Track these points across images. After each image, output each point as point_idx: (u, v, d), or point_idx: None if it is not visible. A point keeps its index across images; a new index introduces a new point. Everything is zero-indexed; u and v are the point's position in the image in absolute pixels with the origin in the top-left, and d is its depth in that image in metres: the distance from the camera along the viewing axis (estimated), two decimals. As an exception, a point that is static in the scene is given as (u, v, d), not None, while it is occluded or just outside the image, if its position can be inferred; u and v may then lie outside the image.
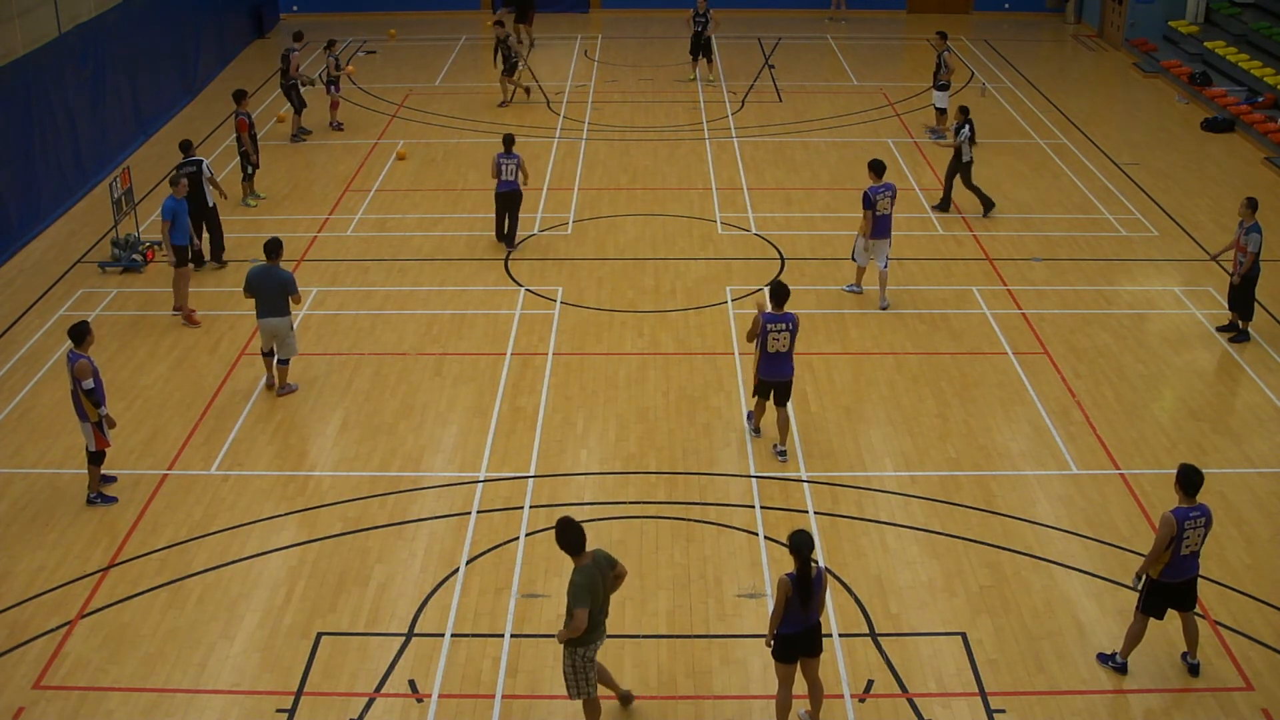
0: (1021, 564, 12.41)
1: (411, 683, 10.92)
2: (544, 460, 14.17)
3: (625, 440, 14.56)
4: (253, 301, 15.18)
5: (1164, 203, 21.72)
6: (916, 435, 14.61)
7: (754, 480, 13.77)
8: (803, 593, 9.71)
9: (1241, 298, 16.69)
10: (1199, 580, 12.13)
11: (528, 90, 27.65)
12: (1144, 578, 10.74)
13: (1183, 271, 19.04)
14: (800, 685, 10.23)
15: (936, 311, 17.53)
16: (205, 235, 18.98)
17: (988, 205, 20.95)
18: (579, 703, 10.60)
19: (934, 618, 11.68)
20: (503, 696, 10.73)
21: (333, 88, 25.61)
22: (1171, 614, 10.94)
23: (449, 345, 16.79)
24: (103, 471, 13.50)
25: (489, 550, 12.62)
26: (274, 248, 15.12)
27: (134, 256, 19.09)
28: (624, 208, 21.58)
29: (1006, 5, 36.62)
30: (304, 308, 17.60)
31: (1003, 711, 10.59)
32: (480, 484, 13.76)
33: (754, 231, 20.45)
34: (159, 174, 23.22)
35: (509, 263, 19.23)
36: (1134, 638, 10.91)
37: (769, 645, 10.01)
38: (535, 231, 20.44)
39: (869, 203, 17.23)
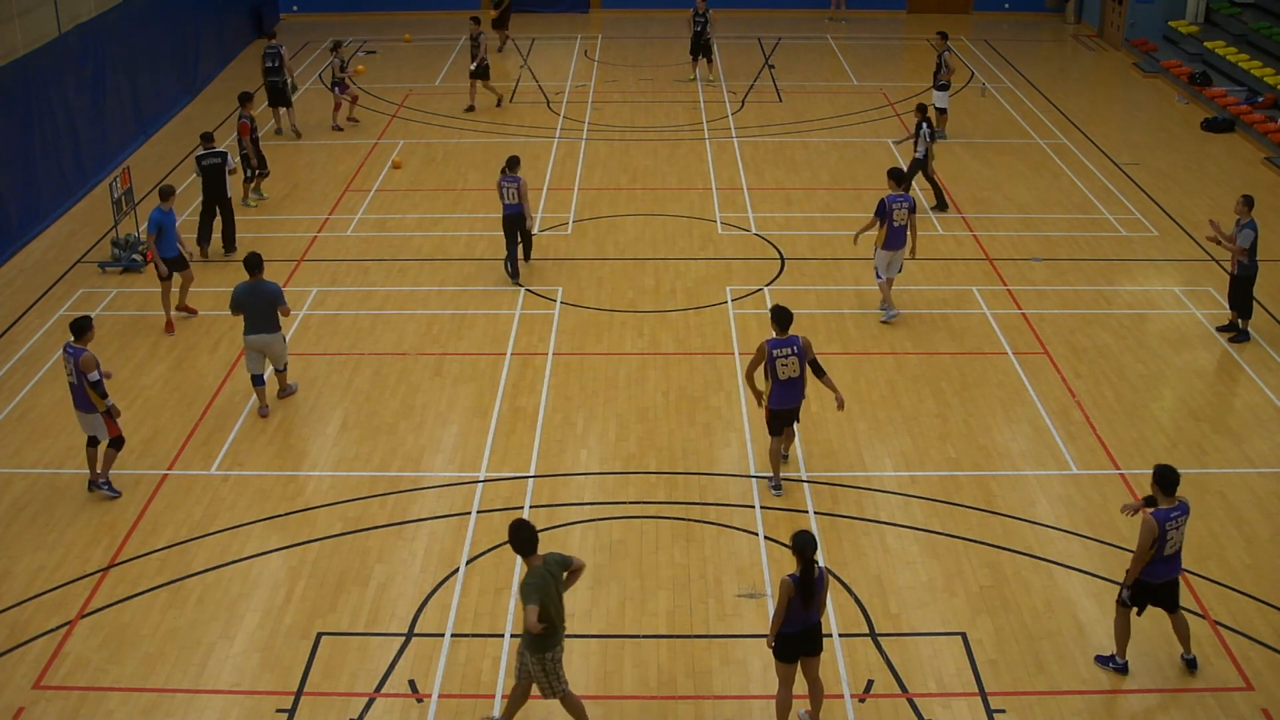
0: (1021, 564, 12.41)
1: (411, 683, 10.92)
2: (544, 460, 14.17)
3: (625, 440, 14.56)
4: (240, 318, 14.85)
5: (1164, 203, 21.72)
6: (916, 435, 14.61)
7: (754, 480, 13.77)
8: (805, 593, 9.72)
9: (1240, 296, 16.70)
10: (1203, 581, 12.16)
11: (500, 99, 27.01)
12: (1130, 585, 10.76)
13: (1183, 271, 19.04)
14: (800, 685, 10.23)
15: (936, 311, 17.52)
16: (217, 225, 19.74)
17: (941, 203, 21.10)
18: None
19: (934, 618, 11.68)
20: (503, 696, 10.73)
21: (337, 89, 25.56)
22: (1162, 616, 10.94)
23: (449, 345, 16.79)
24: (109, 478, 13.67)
25: (489, 550, 12.62)
26: (255, 262, 14.66)
27: (134, 256, 19.10)
28: (624, 208, 21.58)
29: (1006, 5, 36.62)
30: (295, 321, 17.59)
31: (1003, 711, 10.59)
32: (480, 484, 13.76)
33: (754, 231, 20.45)
34: (159, 174, 23.22)
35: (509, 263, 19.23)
36: (1123, 633, 10.93)
37: (770, 646, 10.02)
38: (535, 231, 20.42)
39: (883, 211, 16.74)
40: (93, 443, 13.47)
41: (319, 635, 11.48)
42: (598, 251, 19.66)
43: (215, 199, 19.32)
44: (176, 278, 17.26)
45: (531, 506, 13.33)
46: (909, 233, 16.82)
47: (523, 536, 9.68)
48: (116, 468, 13.90)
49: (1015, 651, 11.24)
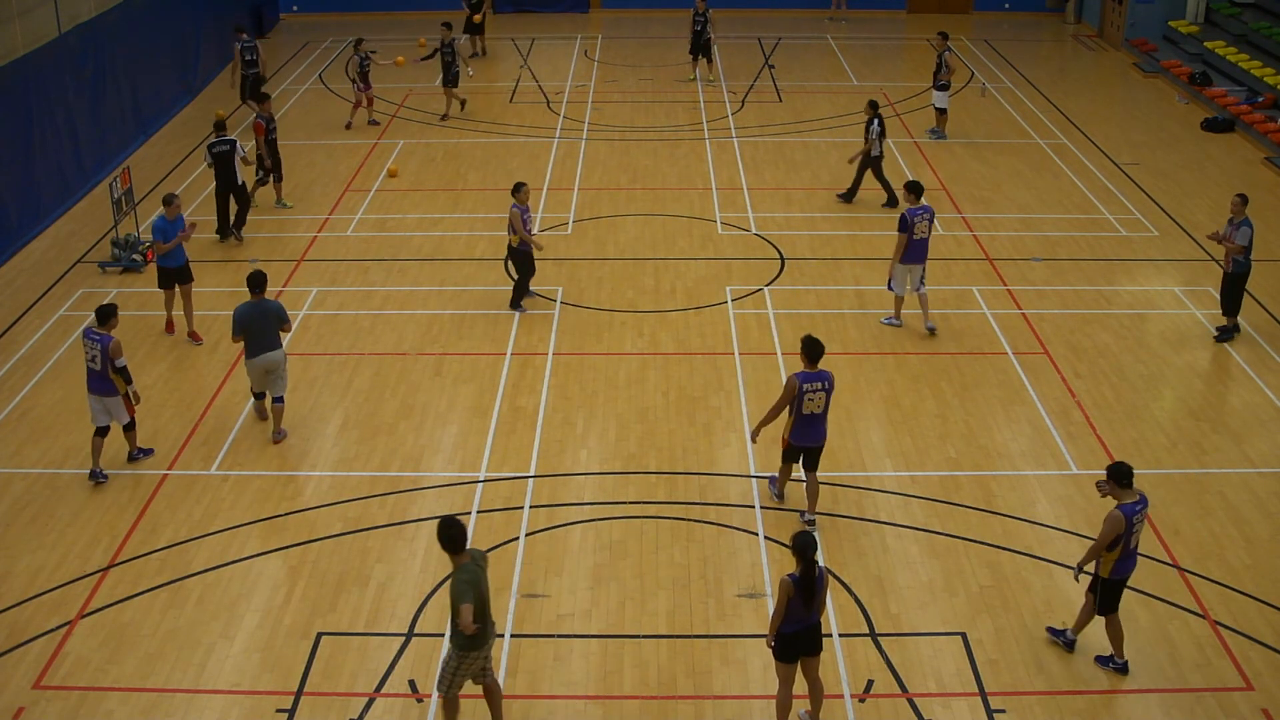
0: (1021, 564, 12.41)
1: (411, 683, 10.92)
2: (544, 460, 14.17)
3: (625, 440, 14.56)
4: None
5: (1164, 203, 21.72)
6: (916, 435, 14.61)
7: (754, 480, 13.77)
8: (805, 593, 9.72)
9: (1233, 294, 16.69)
10: (1203, 580, 12.18)
11: (463, 103, 26.63)
12: (1095, 578, 10.81)
13: (1183, 271, 19.03)
14: (800, 685, 10.23)
15: (937, 311, 17.51)
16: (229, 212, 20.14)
17: (892, 201, 21.13)
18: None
19: (934, 618, 11.68)
20: (502, 697, 10.72)
21: (358, 85, 25.62)
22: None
23: (449, 345, 16.79)
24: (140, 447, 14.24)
25: (489, 550, 12.61)
26: (258, 281, 14.22)
27: (134, 256, 19.10)
28: (624, 208, 21.58)
29: (1006, 5, 36.62)
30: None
31: (1003, 711, 10.59)
32: (480, 484, 13.76)
33: (754, 231, 20.45)
34: (159, 174, 23.24)
35: (509, 263, 19.22)
36: (1116, 634, 10.97)
37: (770, 646, 10.02)
38: (535, 231, 20.41)
39: (905, 225, 16.41)
40: (101, 433, 13.70)
41: (319, 635, 11.48)
42: (598, 251, 19.65)
43: (228, 186, 19.74)
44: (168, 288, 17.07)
45: (531, 506, 13.33)
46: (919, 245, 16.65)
47: (451, 534, 9.62)
48: (116, 468, 13.95)
49: (1015, 651, 11.24)
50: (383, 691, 10.82)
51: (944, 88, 24.81)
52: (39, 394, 15.65)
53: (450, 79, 26.08)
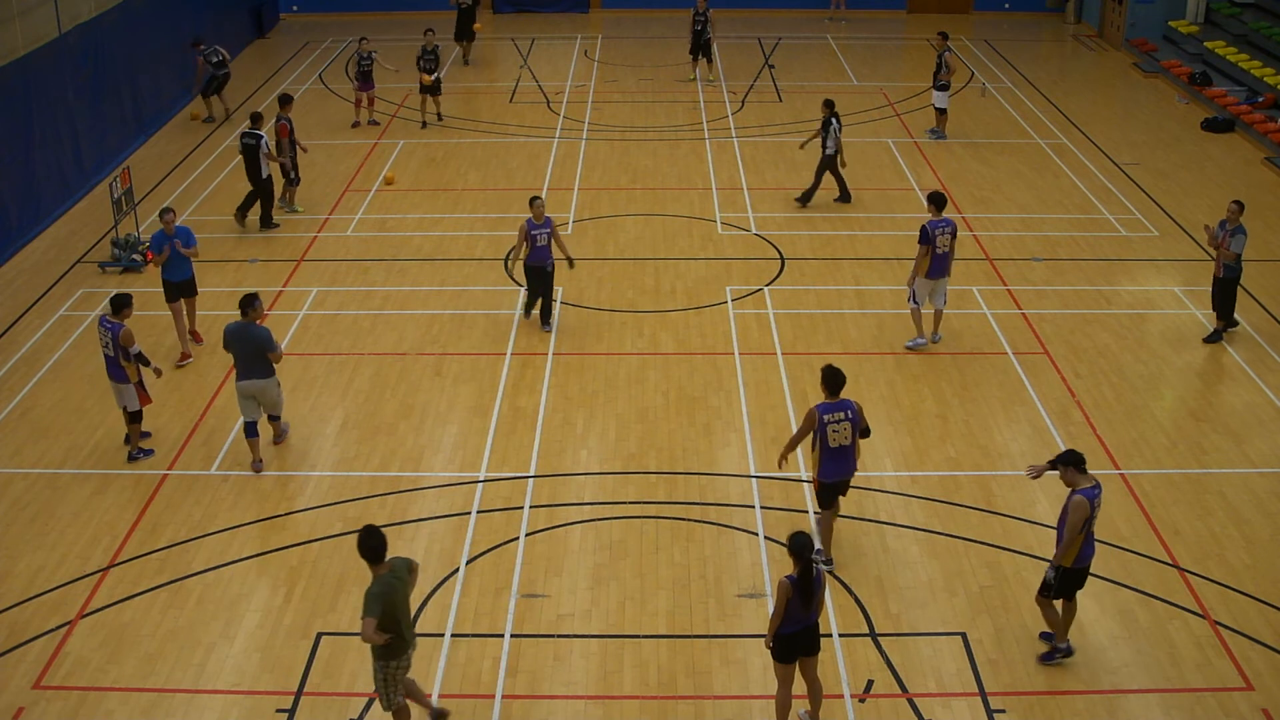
0: (1021, 564, 12.40)
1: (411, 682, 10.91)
2: (544, 460, 14.17)
3: (625, 440, 14.56)
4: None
5: (1164, 203, 21.72)
6: (916, 435, 14.61)
7: (754, 480, 13.76)
8: (804, 594, 9.73)
9: (1227, 297, 16.67)
10: (1203, 580, 12.18)
11: (440, 117, 26.22)
12: (1057, 569, 10.81)
13: (1183, 271, 19.03)
14: (800, 686, 10.23)
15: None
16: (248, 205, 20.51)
17: (845, 197, 21.21)
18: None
19: (934, 618, 11.68)
20: (502, 696, 10.73)
21: (357, 84, 25.67)
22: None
23: (449, 345, 16.79)
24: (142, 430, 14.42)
25: (489, 550, 12.62)
26: (249, 303, 13.63)
27: (134, 256, 19.10)
28: (624, 208, 21.58)
29: (1006, 5, 36.62)
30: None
31: (1003, 711, 10.59)
32: (480, 484, 13.76)
33: (754, 231, 20.45)
34: (159, 174, 23.24)
35: (509, 262, 19.24)
36: (1055, 618, 11.02)
37: (769, 647, 10.01)
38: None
39: (927, 238, 15.90)
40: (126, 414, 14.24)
41: (319, 635, 11.48)
42: (598, 251, 19.65)
43: (251, 178, 20.11)
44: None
45: (531, 506, 13.33)
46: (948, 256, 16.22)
47: (370, 544, 9.58)
48: (117, 468, 13.97)
49: (1015, 651, 11.24)
50: (383, 691, 10.82)
51: (944, 88, 24.80)
52: (39, 394, 15.65)
53: (432, 86, 25.86)
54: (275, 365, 13.81)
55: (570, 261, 17.05)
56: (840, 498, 12.18)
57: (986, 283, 18.52)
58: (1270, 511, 13.29)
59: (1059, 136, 25.33)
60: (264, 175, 20.06)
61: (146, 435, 14.51)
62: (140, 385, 13.97)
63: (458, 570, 12.33)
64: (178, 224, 16.41)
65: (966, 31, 34.45)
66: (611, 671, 11.03)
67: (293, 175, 21.07)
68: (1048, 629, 11.20)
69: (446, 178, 23.04)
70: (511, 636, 11.44)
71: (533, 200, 16.60)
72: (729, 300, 17.93)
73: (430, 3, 34.80)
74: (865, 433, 11.99)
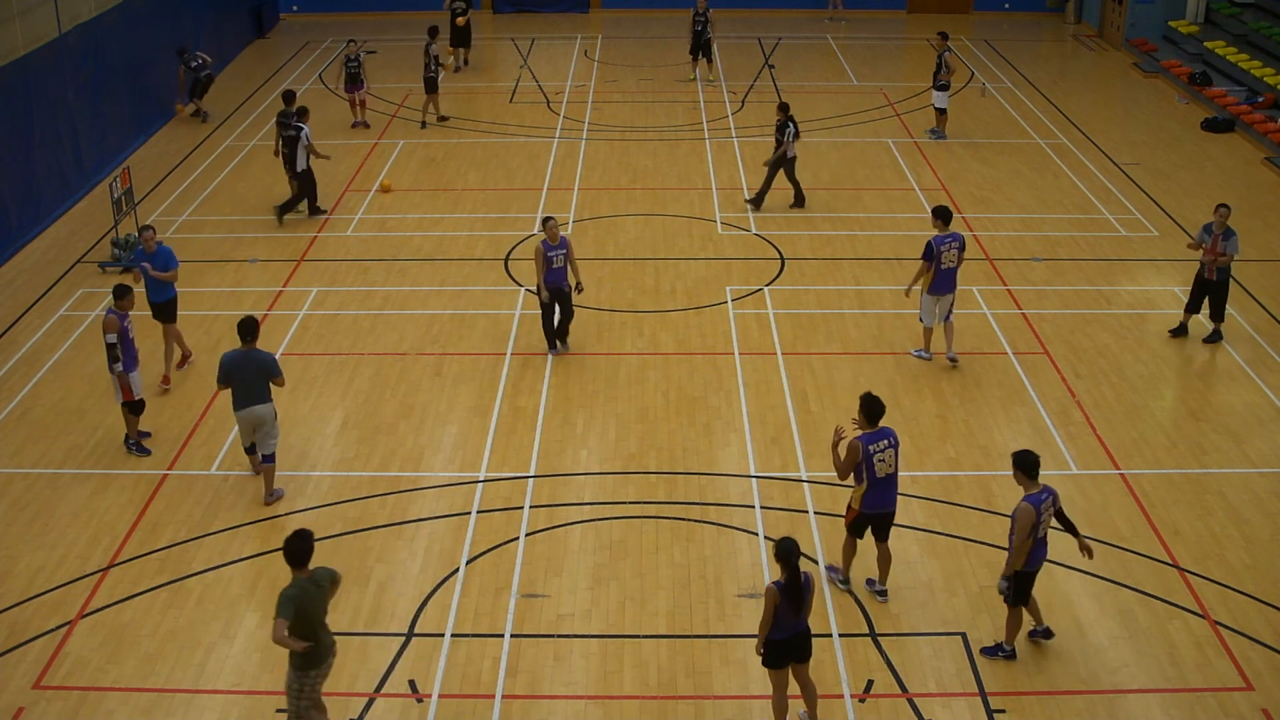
0: (1021, 564, 12.39)
1: (411, 683, 10.92)
2: (544, 460, 14.17)
3: (625, 440, 14.56)
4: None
5: (1164, 203, 21.72)
6: (916, 435, 14.61)
7: (754, 480, 13.76)
8: (793, 600, 9.67)
9: (1221, 301, 16.65)
10: (1203, 580, 12.18)
11: (442, 118, 26.17)
12: (1009, 578, 10.85)
13: (1183, 271, 19.00)
14: (796, 687, 10.22)
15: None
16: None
17: (799, 200, 21.13)
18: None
19: (934, 618, 11.68)
20: (502, 696, 10.74)
21: (345, 85, 25.61)
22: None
23: (449, 345, 16.79)
24: (140, 429, 14.44)
25: (489, 550, 12.62)
26: (249, 328, 13.06)
27: (134, 256, 19.07)
28: (624, 208, 21.58)
29: (1006, 5, 36.62)
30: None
31: (1003, 711, 10.59)
32: (480, 484, 13.76)
33: (754, 231, 20.45)
34: (159, 174, 23.23)
35: (509, 263, 19.24)
36: (1015, 626, 11.07)
37: (759, 653, 9.97)
38: (535, 232, 20.43)
39: (931, 254, 15.53)
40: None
41: (319, 635, 11.48)
42: (598, 251, 19.65)
43: (289, 169, 20.59)
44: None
45: (531, 506, 13.33)
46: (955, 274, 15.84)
47: (295, 548, 9.57)
48: (117, 467, 13.96)
49: (1015, 651, 11.23)
50: (383, 691, 10.83)
51: (944, 88, 24.80)
52: (39, 394, 15.65)
53: (430, 85, 25.88)
54: (276, 390, 13.28)
55: (578, 285, 16.24)
56: (884, 541, 11.71)
57: (986, 283, 18.52)
58: (1270, 511, 13.29)
59: (1059, 136, 25.33)
60: (300, 168, 20.41)
61: (146, 435, 14.51)
62: (123, 378, 13.84)
63: (458, 570, 12.33)
64: (161, 242, 15.91)
65: (966, 31, 34.45)
66: (611, 671, 11.04)
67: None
68: (1008, 633, 11.18)
69: (446, 178, 23.04)
70: (511, 636, 11.44)
71: (546, 221, 16.00)
72: (729, 300, 17.93)
73: (430, 3, 34.81)
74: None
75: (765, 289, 18.28)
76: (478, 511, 13.26)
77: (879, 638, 11.41)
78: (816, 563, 12.37)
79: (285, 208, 20.75)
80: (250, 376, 13.03)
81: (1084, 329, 17.17)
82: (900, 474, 13.77)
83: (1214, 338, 16.75)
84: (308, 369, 16.14)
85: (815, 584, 10.06)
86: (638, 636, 11.46)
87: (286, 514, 13.24)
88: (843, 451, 11.44)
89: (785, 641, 9.87)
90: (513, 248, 19.77)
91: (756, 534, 12.86)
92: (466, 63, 30.22)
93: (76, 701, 10.72)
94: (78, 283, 18.73)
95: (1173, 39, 31.35)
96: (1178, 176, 23.06)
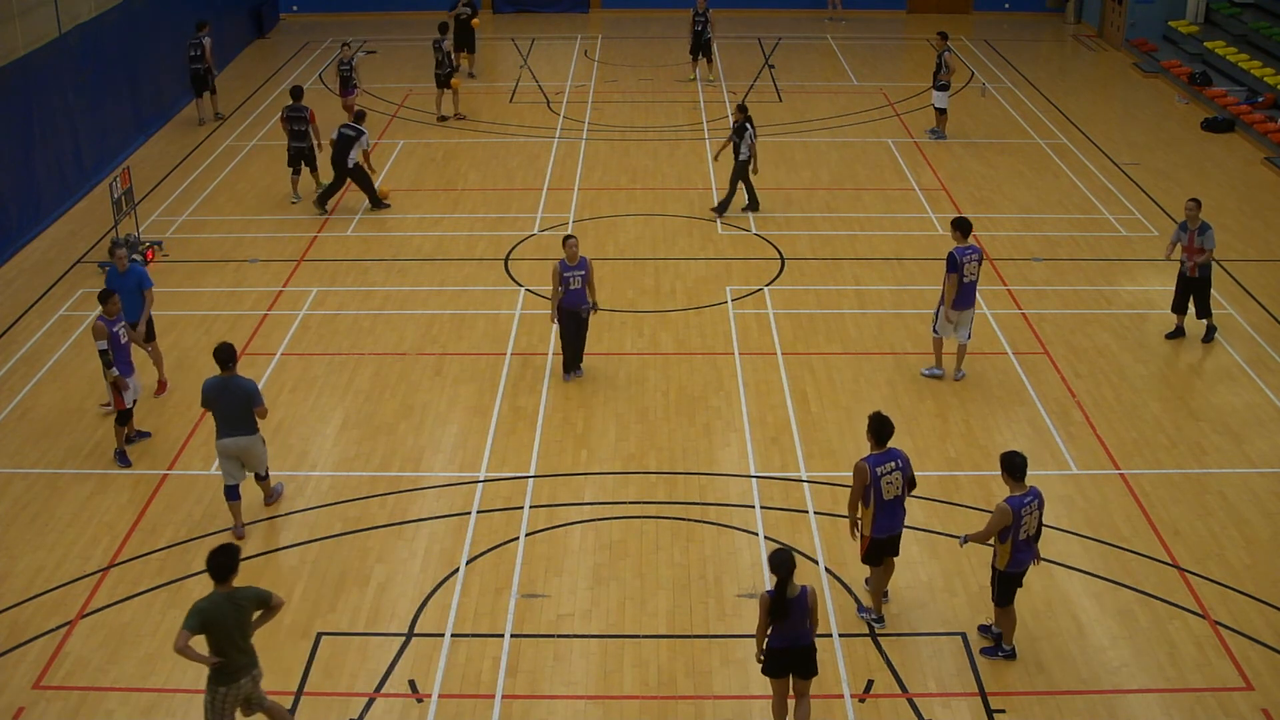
0: (1021, 564, 12.39)
1: (411, 683, 10.92)
2: (544, 460, 14.17)
3: (625, 440, 14.56)
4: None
5: (1164, 203, 21.72)
6: (916, 435, 14.60)
7: (754, 480, 13.76)
8: (778, 612, 9.54)
9: (1205, 298, 16.66)
10: (1203, 580, 12.18)
11: (461, 116, 26.26)
12: (993, 571, 10.90)
13: (1183, 271, 19.02)
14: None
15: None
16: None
17: (753, 204, 20.99)
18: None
19: (934, 618, 11.68)
20: (503, 696, 10.74)
21: (340, 89, 25.39)
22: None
23: (449, 345, 16.79)
24: (138, 429, 14.42)
25: (489, 550, 12.62)
26: (226, 355, 12.51)
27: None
28: (624, 208, 21.58)
29: (1006, 5, 36.62)
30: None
31: (1003, 711, 10.59)
32: (480, 484, 13.76)
33: (754, 231, 20.44)
34: (159, 174, 23.23)
35: (509, 263, 19.24)
36: (1009, 625, 11.07)
37: (759, 660, 9.93)
38: (535, 232, 20.44)
39: (955, 266, 15.06)
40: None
41: (319, 635, 11.48)
42: (598, 251, 19.64)
43: (336, 165, 20.82)
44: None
45: (531, 506, 13.33)
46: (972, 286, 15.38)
47: (217, 562, 9.45)
48: (117, 467, 13.98)
49: (1015, 651, 11.23)
50: (383, 691, 10.83)
51: (944, 88, 24.80)
52: (39, 394, 15.65)
53: (443, 79, 25.95)
54: (260, 420, 12.77)
55: (593, 305, 15.57)
56: (893, 557, 11.45)
57: (986, 283, 18.47)
58: (1270, 511, 13.29)
59: (1059, 136, 25.33)
60: (349, 165, 20.68)
61: (145, 435, 14.48)
62: (120, 382, 13.77)
63: (458, 570, 12.33)
64: (136, 261, 15.29)
65: (966, 31, 34.45)
66: (611, 671, 11.04)
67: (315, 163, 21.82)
68: (995, 627, 11.23)
69: (447, 178, 23.04)
70: (511, 636, 11.44)
71: (566, 240, 15.26)
72: (729, 300, 17.93)
73: (430, 3, 34.83)
74: (912, 484, 11.29)
75: (765, 289, 18.28)
76: (478, 511, 13.26)
77: (879, 637, 11.40)
78: (816, 563, 12.37)
79: (325, 195, 21.09)
80: (231, 406, 12.52)
81: (1084, 329, 17.17)
82: (900, 474, 13.84)
83: (1209, 336, 16.75)
84: (308, 369, 16.14)
85: (818, 599, 9.84)
86: (638, 636, 11.46)
87: (287, 514, 13.25)
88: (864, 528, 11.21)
89: (784, 651, 9.74)
90: (512, 248, 19.78)
91: (756, 534, 12.86)
92: (472, 75, 29.88)
93: (76, 701, 10.72)
94: (78, 283, 18.73)
95: (1173, 39, 31.34)
96: (1178, 176, 23.05)
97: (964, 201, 21.60)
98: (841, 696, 10.71)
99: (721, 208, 21.00)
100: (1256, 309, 17.69)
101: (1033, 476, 13.72)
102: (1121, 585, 12.08)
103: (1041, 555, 11.35)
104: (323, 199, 21.11)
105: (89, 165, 22.61)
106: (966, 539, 10.99)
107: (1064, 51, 33.04)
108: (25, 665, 11.12)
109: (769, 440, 14.49)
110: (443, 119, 26.12)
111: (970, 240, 15.50)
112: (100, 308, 13.89)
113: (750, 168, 20.69)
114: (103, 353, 13.67)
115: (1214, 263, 16.80)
